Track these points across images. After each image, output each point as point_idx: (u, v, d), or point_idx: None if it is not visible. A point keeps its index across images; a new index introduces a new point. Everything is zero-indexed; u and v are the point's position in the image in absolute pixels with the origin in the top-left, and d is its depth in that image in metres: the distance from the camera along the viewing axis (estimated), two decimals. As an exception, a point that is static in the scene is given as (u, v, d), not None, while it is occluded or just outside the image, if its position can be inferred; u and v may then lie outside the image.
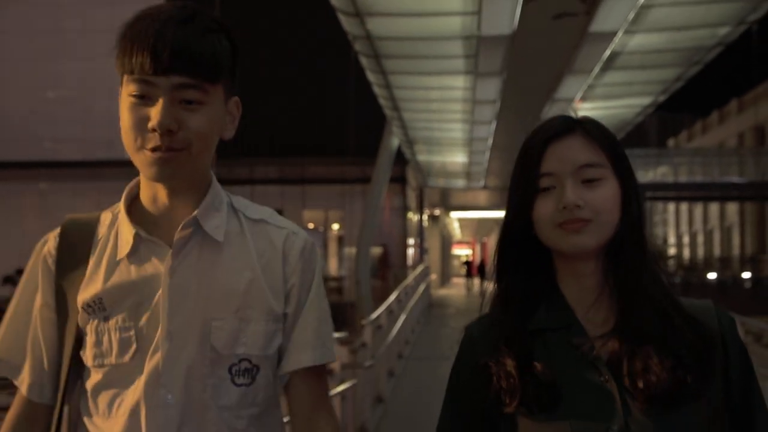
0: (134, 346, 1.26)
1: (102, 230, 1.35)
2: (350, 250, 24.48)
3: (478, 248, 54.44)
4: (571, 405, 1.19)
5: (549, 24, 8.71)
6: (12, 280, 17.52)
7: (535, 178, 1.22)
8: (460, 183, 25.69)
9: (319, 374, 1.36)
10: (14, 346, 1.33)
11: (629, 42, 9.55)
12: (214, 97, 1.25)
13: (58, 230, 1.37)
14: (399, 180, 22.51)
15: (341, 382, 6.13)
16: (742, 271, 31.04)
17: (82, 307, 1.29)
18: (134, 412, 1.25)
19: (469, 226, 45.95)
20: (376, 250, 22.48)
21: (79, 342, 1.30)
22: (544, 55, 9.89)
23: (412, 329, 14.20)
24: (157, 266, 1.28)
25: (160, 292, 1.27)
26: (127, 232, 1.30)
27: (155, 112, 1.20)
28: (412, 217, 26.09)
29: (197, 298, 1.28)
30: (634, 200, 1.24)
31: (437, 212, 32.59)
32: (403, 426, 7.84)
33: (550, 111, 13.39)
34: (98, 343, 1.28)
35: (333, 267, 25.77)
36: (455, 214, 36.86)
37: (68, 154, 24.75)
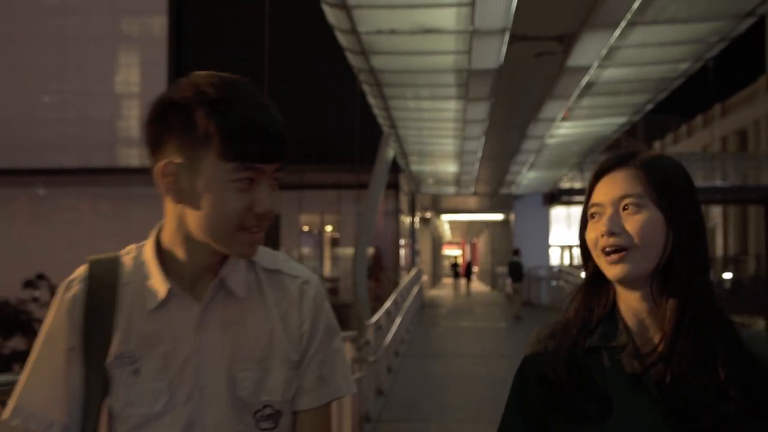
0: (167, 397, 1.29)
1: (127, 275, 1.35)
2: (344, 251, 25.47)
3: (467, 248, 55.26)
4: (619, 423, 1.23)
5: (531, 60, 9.98)
6: (33, 284, 18.21)
7: (587, 207, 1.32)
8: (451, 190, 26.74)
9: (322, 412, 1.38)
10: (41, 395, 1.31)
11: (602, 74, 10.85)
12: None
13: (83, 273, 1.36)
14: (392, 186, 23.37)
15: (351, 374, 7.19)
16: (725, 271, 31.92)
17: (114, 358, 1.30)
18: None
19: (459, 228, 46.76)
20: (369, 251, 23.41)
21: (105, 390, 1.31)
22: (527, 84, 11.17)
23: (407, 329, 15.13)
24: (186, 320, 1.31)
25: (189, 345, 1.31)
26: (158, 284, 1.32)
27: (264, 198, 1.26)
28: (405, 220, 27.01)
29: (224, 352, 1.31)
30: (685, 231, 1.26)
31: (428, 215, 33.50)
32: (400, 415, 8.58)
33: (535, 128, 14.71)
34: (128, 393, 1.29)
35: (327, 268, 26.61)
36: (446, 217, 37.70)
37: (66, 161, 25.29)
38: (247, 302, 1.35)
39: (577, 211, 31.40)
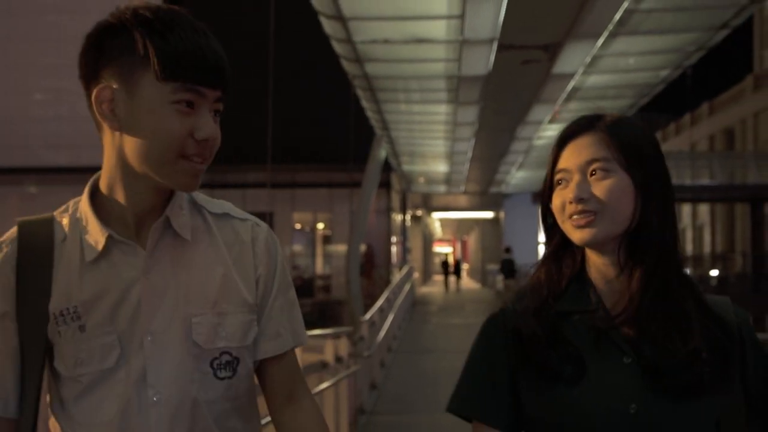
0: (119, 350, 1.24)
1: (62, 232, 1.30)
2: (336, 249, 25.88)
3: (458, 246, 55.71)
4: (592, 381, 1.23)
5: (518, 67, 10.50)
6: None
7: (553, 174, 1.30)
8: (442, 189, 27.27)
9: (290, 359, 1.37)
10: None
11: (587, 80, 11.39)
12: None
13: (13, 235, 1.30)
14: (384, 185, 23.73)
15: (347, 368, 7.04)
16: (713, 268, 32.35)
17: (55, 317, 1.25)
18: (123, 415, 1.23)
19: (450, 225, 47.15)
20: (361, 248, 23.75)
21: (49, 351, 1.26)
22: (514, 89, 11.70)
23: (399, 326, 15.34)
24: (131, 268, 1.26)
25: (137, 293, 1.25)
26: (96, 234, 1.26)
27: (205, 124, 1.21)
28: (396, 218, 27.35)
29: (175, 297, 1.27)
30: (652, 193, 1.25)
31: (419, 213, 33.86)
32: (393, 408, 8.84)
33: (523, 131, 15.23)
34: (76, 351, 1.24)
35: (319, 265, 26.99)
36: (437, 215, 38.17)
37: (55, 160, 25.24)
38: (197, 245, 1.31)
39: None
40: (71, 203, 1.34)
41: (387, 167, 20.64)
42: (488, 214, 33.90)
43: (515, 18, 8.53)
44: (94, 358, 1.24)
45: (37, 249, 1.28)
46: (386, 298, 13.46)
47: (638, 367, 1.22)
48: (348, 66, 10.57)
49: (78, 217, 1.30)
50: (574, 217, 1.26)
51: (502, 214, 30.46)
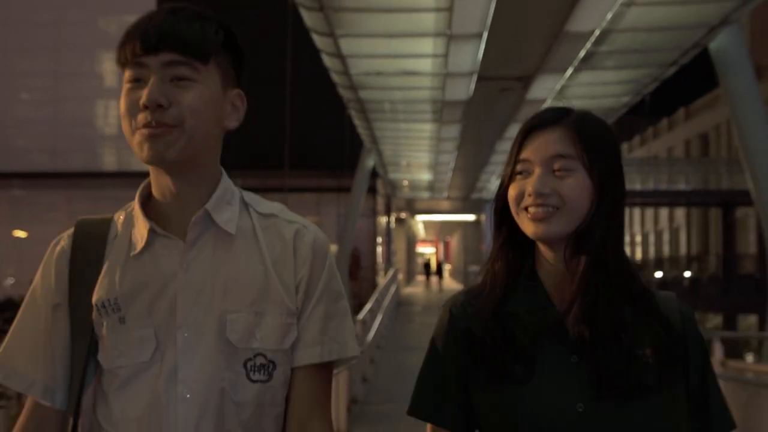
0: (155, 344, 1.25)
1: (116, 229, 1.33)
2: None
3: (441, 246, 56.67)
4: (541, 381, 1.24)
5: (495, 94, 11.93)
6: None
7: (514, 162, 1.29)
8: (425, 195, 28.62)
9: (322, 374, 1.31)
10: (23, 354, 1.30)
11: (557, 104, 12.81)
12: (206, 77, 1.25)
13: (71, 230, 1.35)
14: (370, 190, 24.60)
15: (343, 364, 8.57)
16: (688, 269, 33.46)
17: (97, 308, 1.26)
18: (151, 411, 1.23)
19: (433, 227, 47.92)
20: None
21: (95, 344, 1.27)
22: (493, 112, 13.16)
23: (385, 325, 16.27)
24: (171, 261, 1.27)
25: (174, 287, 1.26)
26: (141, 228, 1.29)
27: (147, 90, 1.21)
28: (381, 220, 28.36)
29: (212, 292, 1.26)
30: (610, 191, 1.26)
31: (403, 215, 34.97)
32: (382, 398, 9.66)
33: (502, 145, 16.70)
34: (115, 343, 1.25)
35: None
36: (420, 217, 39.30)
37: (40, 165, 25.36)
38: (239, 242, 1.29)
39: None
40: (132, 203, 1.36)
41: (373, 174, 21.87)
42: (470, 217, 35.18)
43: (492, 56, 9.93)
44: (132, 350, 1.25)
45: (91, 245, 1.32)
46: (375, 299, 14.49)
47: (584, 367, 1.24)
48: (344, 92, 11.99)
49: (131, 214, 1.33)
50: (531, 209, 1.26)
51: (483, 217, 31.79)
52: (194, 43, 1.23)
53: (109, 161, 26.65)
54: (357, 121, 14.32)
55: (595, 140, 1.28)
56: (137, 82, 1.24)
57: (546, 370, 1.26)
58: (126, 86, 1.25)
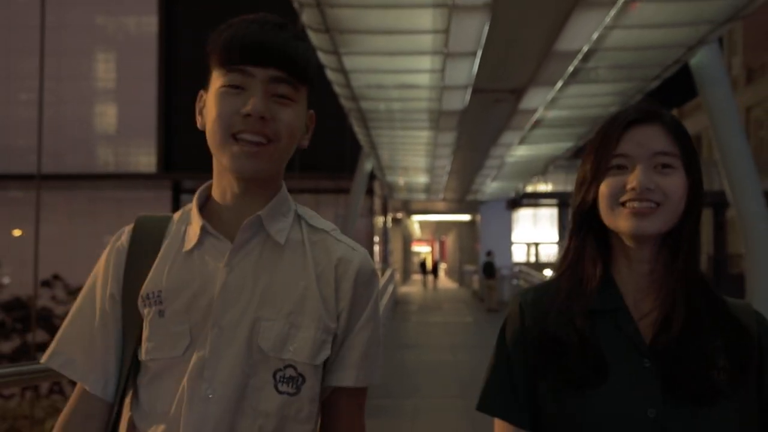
0: (188, 340, 1.26)
1: (174, 227, 1.36)
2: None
3: (437, 245, 57.44)
4: (612, 385, 1.23)
5: (490, 104, 12.66)
6: (48, 283, 19.02)
7: (610, 157, 1.27)
8: (422, 196, 29.39)
9: (358, 397, 1.34)
10: (79, 342, 1.31)
11: (548, 114, 13.61)
12: (301, 97, 1.30)
13: (131, 225, 1.38)
14: (368, 191, 25.19)
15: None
16: None
17: (141, 298, 1.29)
18: (177, 407, 1.25)
19: (429, 226, 48.29)
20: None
21: (140, 338, 1.29)
22: (487, 120, 13.91)
23: (384, 324, 17.45)
24: (216, 261, 1.29)
25: (215, 287, 1.27)
26: (195, 226, 1.32)
27: (251, 100, 1.23)
28: (378, 220, 28.87)
29: (251, 297, 1.27)
30: (700, 195, 1.28)
31: (400, 215, 35.67)
32: (382, 393, 9.75)
33: (495, 150, 17.48)
34: (152, 335, 1.27)
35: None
36: (416, 217, 39.84)
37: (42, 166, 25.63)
38: (287, 252, 1.32)
39: (544, 212, 34.40)
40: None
41: (371, 176, 22.64)
42: (465, 217, 35.73)
43: (486, 71, 10.65)
44: (166, 344, 1.26)
45: (149, 240, 1.34)
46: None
47: (657, 371, 1.23)
48: (345, 102, 12.73)
49: (188, 212, 1.36)
50: (634, 204, 1.24)
51: (478, 218, 32.52)
52: (301, 65, 1.29)
53: (107, 162, 26.90)
54: (357, 128, 15.08)
55: (688, 141, 1.30)
56: (236, 88, 1.26)
57: (618, 375, 1.25)
58: (221, 89, 1.27)
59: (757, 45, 32.27)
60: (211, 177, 1.37)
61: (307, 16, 8.33)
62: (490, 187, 25.56)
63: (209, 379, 1.25)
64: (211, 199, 1.36)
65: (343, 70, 10.51)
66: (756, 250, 9.91)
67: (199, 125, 1.33)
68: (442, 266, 50.38)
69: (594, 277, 1.31)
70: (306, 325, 1.29)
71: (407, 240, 42.63)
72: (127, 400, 1.32)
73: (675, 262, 1.28)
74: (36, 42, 24.70)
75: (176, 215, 1.39)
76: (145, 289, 1.30)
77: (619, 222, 1.27)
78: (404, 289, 33.25)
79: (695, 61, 10.26)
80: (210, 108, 1.28)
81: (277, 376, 1.27)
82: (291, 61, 1.27)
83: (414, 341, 16.15)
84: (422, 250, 55.88)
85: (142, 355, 1.29)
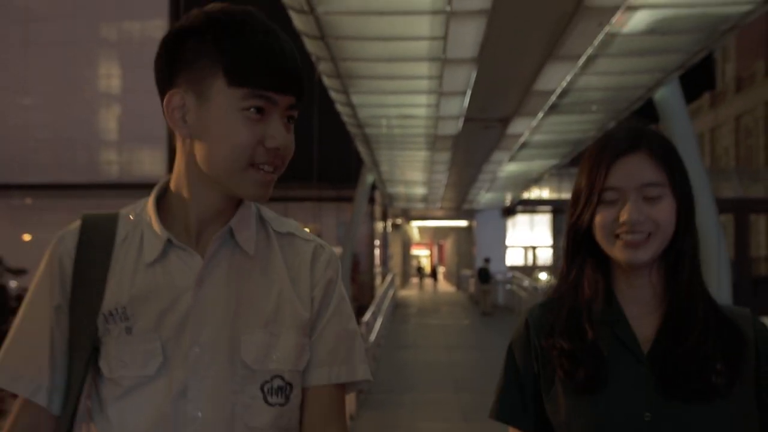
0: (161, 359, 1.22)
1: (123, 231, 1.29)
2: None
3: (435, 249, 58.20)
4: (610, 390, 1.30)
5: (480, 130, 14.42)
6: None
7: (600, 189, 1.33)
8: (420, 205, 31.12)
9: (332, 394, 1.30)
10: (25, 357, 1.25)
11: (533, 138, 15.39)
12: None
13: (76, 227, 1.30)
14: (369, 200, 26.04)
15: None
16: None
17: (104, 315, 1.24)
18: (159, 427, 1.21)
19: (428, 231, 49.69)
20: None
21: (96, 350, 1.24)
22: (478, 142, 15.69)
23: (385, 326, 17.01)
24: (185, 275, 1.25)
25: (186, 302, 1.24)
26: (156, 236, 1.26)
27: (276, 132, 1.22)
28: (378, 226, 30.19)
29: (226, 311, 1.25)
30: (691, 216, 1.34)
31: (399, 221, 37.06)
32: (385, 389, 10.76)
33: (488, 167, 19.27)
34: (120, 353, 1.23)
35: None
36: (415, 223, 41.09)
37: (39, 177, 25.56)
38: (256, 261, 1.29)
39: (541, 216, 36.05)
40: (141, 203, 1.33)
41: (372, 186, 24.25)
42: (463, 223, 37.04)
43: (476, 105, 12.39)
44: (136, 362, 1.23)
45: (98, 245, 1.27)
46: (376, 303, 16.30)
47: (653, 376, 1.30)
48: (351, 128, 14.53)
49: (143, 217, 1.30)
50: (627, 236, 1.31)
51: (474, 224, 34.12)
52: (306, 90, 1.28)
53: (110, 171, 27.24)
54: (360, 147, 16.80)
55: (675, 162, 1.36)
56: (260, 112, 1.22)
57: (616, 380, 1.31)
58: (245, 112, 1.21)
59: (750, 52, 33.24)
60: None
61: (315, 54, 9.91)
62: (485, 197, 27.31)
63: (194, 399, 1.22)
64: (168, 200, 1.31)
65: (350, 104, 12.25)
66: (709, 261, 11.45)
67: (182, 134, 1.25)
68: (441, 270, 51.71)
69: (597, 298, 1.38)
70: (284, 332, 1.28)
71: (407, 244, 43.66)
72: (82, 414, 1.27)
73: (676, 275, 1.35)
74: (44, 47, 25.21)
75: (123, 215, 1.32)
76: (106, 305, 1.25)
77: (615, 253, 1.35)
78: (404, 293, 34.24)
79: (658, 95, 11.93)
80: (223, 128, 1.22)
81: (265, 389, 1.25)
82: (303, 89, 1.26)
83: (413, 342, 17.08)
84: (421, 253, 57.13)
85: (109, 372, 1.24)
